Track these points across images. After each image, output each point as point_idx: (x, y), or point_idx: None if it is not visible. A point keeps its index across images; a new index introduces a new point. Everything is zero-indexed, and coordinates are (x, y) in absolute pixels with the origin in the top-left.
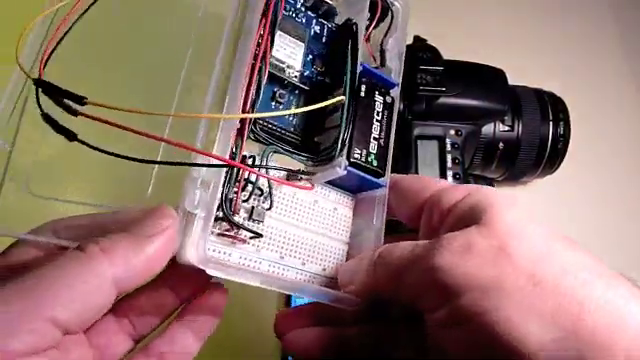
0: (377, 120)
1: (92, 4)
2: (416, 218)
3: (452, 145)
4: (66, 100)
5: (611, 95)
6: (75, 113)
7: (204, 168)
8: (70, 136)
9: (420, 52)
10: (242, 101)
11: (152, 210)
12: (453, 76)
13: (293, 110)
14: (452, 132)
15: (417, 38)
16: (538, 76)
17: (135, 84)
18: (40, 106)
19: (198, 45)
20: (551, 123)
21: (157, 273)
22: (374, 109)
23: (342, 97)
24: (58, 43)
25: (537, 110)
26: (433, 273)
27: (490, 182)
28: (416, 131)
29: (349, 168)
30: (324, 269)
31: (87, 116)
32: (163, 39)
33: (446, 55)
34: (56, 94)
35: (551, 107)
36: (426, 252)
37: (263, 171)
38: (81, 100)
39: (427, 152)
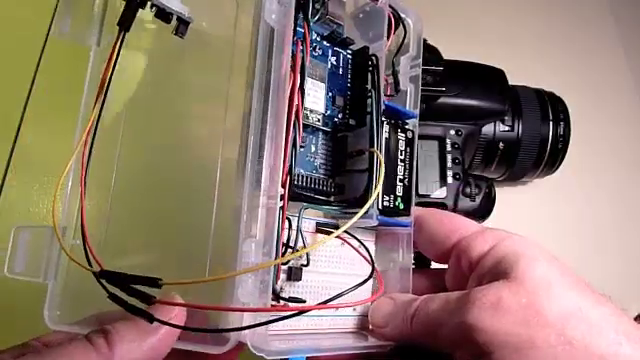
0: (401, 160)
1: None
2: (443, 259)
3: (452, 145)
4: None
5: (611, 95)
6: (150, 300)
7: (252, 255)
8: (148, 318)
9: None
10: (282, 170)
11: (162, 300)
12: (453, 76)
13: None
14: (452, 132)
15: None
16: (538, 76)
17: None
18: (106, 288)
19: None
20: (551, 123)
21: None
22: (398, 149)
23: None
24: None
25: (537, 110)
26: (465, 329)
27: (490, 182)
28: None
29: (379, 217)
30: (354, 309)
31: (164, 302)
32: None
33: (446, 55)
34: (126, 283)
35: (551, 107)
36: (458, 308)
37: (301, 238)
38: (156, 282)
39: (427, 152)
